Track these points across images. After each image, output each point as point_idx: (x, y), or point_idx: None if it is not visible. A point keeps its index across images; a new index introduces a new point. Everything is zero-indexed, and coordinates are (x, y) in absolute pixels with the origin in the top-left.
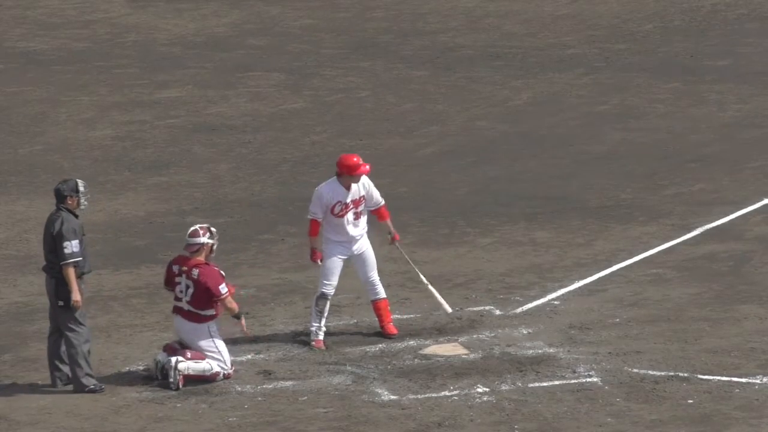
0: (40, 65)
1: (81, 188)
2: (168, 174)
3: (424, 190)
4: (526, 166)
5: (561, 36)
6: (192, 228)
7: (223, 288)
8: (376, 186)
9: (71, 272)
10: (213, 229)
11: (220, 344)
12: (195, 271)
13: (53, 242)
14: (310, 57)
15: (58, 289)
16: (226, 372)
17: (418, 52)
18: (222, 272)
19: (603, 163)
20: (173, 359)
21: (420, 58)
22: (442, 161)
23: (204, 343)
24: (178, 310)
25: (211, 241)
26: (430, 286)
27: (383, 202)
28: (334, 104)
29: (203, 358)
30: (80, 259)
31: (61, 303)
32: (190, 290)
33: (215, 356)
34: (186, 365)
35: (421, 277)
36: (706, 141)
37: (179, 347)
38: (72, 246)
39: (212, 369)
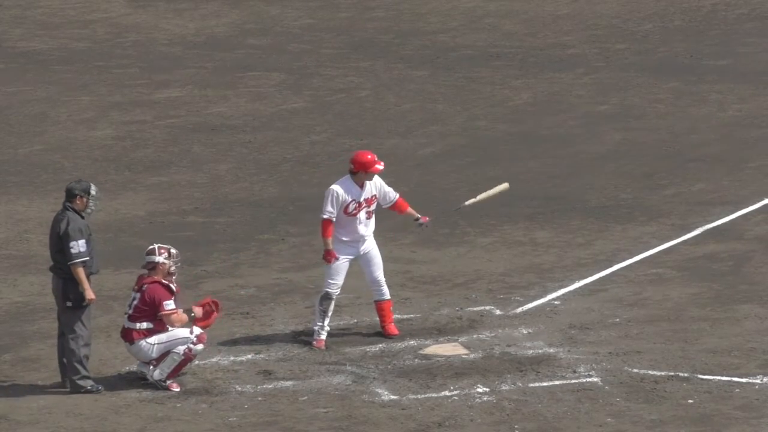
0: (40, 65)
1: (93, 192)
2: (168, 174)
3: (424, 190)
4: (526, 166)
5: (561, 36)
6: (151, 246)
7: (169, 304)
8: None
9: (80, 271)
10: (174, 251)
11: (164, 336)
12: (145, 286)
13: (60, 242)
14: (310, 57)
15: (66, 289)
16: (192, 341)
17: (418, 52)
18: (173, 289)
19: (603, 163)
20: (148, 375)
21: (420, 58)
22: (442, 161)
23: (153, 353)
24: (121, 332)
25: (167, 262)
26: (475, 199)
27: (398, 195)
28: (335, 104)
29: (168, 353)
30: (88, 258)
31: (69, 303)
32: (135, 302)
33: (172, 345)
34: (159, 371)
35: (470, 201)
36: (706, 141)
37: None
38: (79, 246)
39: (180, 353)
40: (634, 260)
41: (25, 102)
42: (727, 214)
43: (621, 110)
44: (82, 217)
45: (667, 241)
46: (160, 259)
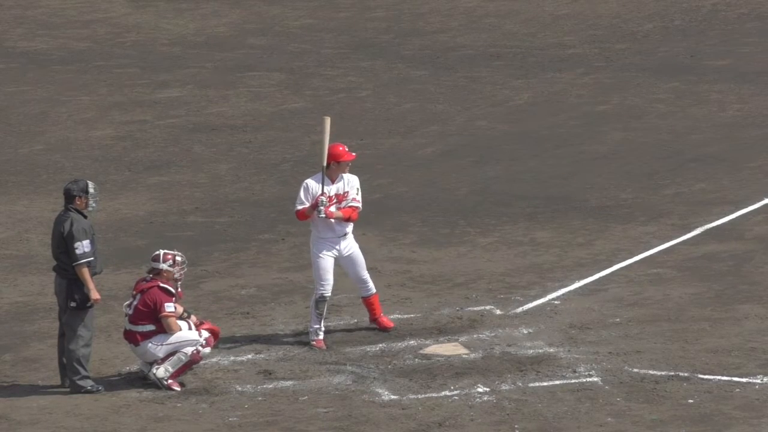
0: (40, 65)
1: (91, 189)
2: (168, 174)
3: (424, 190)
4: (526, 166)
5: (561, 36)
6: (157, 252)
7: (169, 306)
8: (378, 186)
9: (85, 272)
10: (179, 258)
11: (171, 337)
12: (145, 289)
13: (64, 243)
14: (311, 57)
15: (71, 289)
16: (201, 344)
17: (418, 52)
18: (173, 292)
19: (603, 163)
20: (151, 373)
21: (420, 58)
22: (442, 161)
23: (160, 354)
24: (124, 334)
25: (171, 269)
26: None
27: (356, 207)
28: (335, 104)
29: (174, 353)
30: (92, 258)
31: (73, 304)
32: (134, 303)
33: (180, 346)
34: (163, 369)
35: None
36: (706, 141)
37: None
38: (83, 246)
39: (188, 354)
40: (634, 260)
41: (25, 102)
42: (727, 214)
43: (621, 110)
44: (85, 217)
45: (667, 241)
46: (164, 266)
